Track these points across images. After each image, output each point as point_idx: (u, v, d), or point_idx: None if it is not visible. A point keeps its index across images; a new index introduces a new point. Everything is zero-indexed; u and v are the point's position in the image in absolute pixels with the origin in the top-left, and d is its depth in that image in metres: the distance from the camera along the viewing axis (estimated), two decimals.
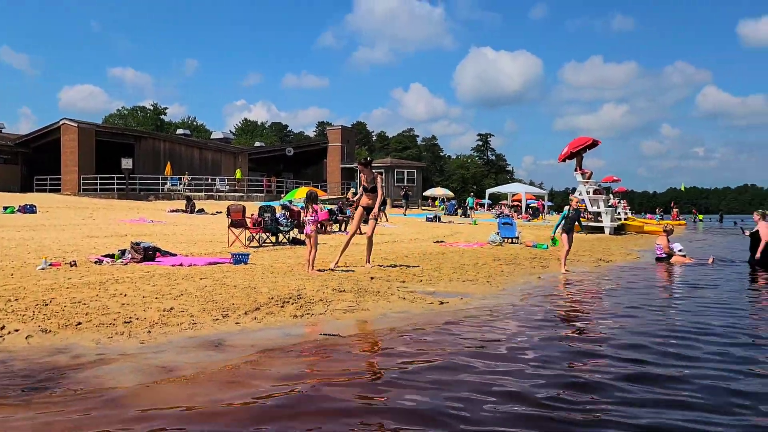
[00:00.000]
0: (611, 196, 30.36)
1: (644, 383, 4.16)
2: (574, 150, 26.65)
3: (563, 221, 11.46)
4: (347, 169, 51.40)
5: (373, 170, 10.67)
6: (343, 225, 20.14)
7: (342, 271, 9.49)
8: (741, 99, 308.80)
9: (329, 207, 20.92)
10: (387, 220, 24.50)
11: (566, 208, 11.30)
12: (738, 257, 14.68)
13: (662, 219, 51.19)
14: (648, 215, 61.77)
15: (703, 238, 27.25)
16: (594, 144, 27.06)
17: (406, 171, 49.97)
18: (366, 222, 10.40)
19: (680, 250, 14.21)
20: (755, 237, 13.06)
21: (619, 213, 34.06)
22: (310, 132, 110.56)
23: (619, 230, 26.77)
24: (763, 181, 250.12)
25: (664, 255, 13.94)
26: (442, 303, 7.27)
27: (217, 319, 5.81)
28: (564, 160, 27.28)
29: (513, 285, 9.21)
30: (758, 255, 12.67)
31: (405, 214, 33.82)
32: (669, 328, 6.14)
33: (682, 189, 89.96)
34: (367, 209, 10.39)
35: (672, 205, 66.11)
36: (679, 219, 51.97)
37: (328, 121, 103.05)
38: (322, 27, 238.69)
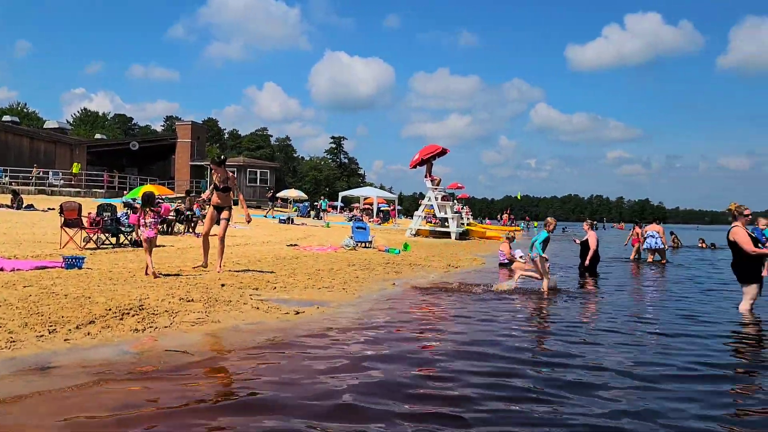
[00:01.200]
0: (455, 202, 31.75)
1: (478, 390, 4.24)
2: (425, 157, 27.54)
3: (543, 245, 10.54)
4: (197, 167, 49.13)
5: (228, 170, 10.18)
6: (192, 225, 19.09)
7: (190, 276, 8.87)
8: (568, 116, 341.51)
9: (176, 207, 19.70)
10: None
11: (546, 230, 10.99)
12: (568, 263, 15.93)
13: (513, 224, 54.89)
14: (488, 220, 65.74)
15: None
16: (443, 152, 28.17)
17: (259, 171, 48.78)
18: (218, 222, 9.86)
19: (521, 257, 15.12)
20: (585, 245, 14.22)
21: (463, 219, 35.75)
22: (158, 126, 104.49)
23: (463, 235, 28.08)
24: (584, 192, 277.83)
25: (506, 261, 14.75)
26: (298, 313, 7.00)
27: (42, 336, 5.08)
28: (415, 167, 28.09)
29: (368, 292, 9.16)
30: (587, 262, 13.81)
31: (267, 216, 33.04)
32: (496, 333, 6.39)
33: (518, 197, 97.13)
34: (218, 209, 9.88)
35: (508, 211, 71.01)
36: (514, 225, 55.92)
37: (178, 116, 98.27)
38: (173, 18, 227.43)
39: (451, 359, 5.25)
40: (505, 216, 57.06)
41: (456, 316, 7.61)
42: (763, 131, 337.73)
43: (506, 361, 5.23)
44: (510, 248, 14.98)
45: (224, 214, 9.85)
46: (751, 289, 8.25)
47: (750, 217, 8.94)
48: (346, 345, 5.64)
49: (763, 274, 8.51)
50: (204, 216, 21.81)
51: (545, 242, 10.44)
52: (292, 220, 29.49)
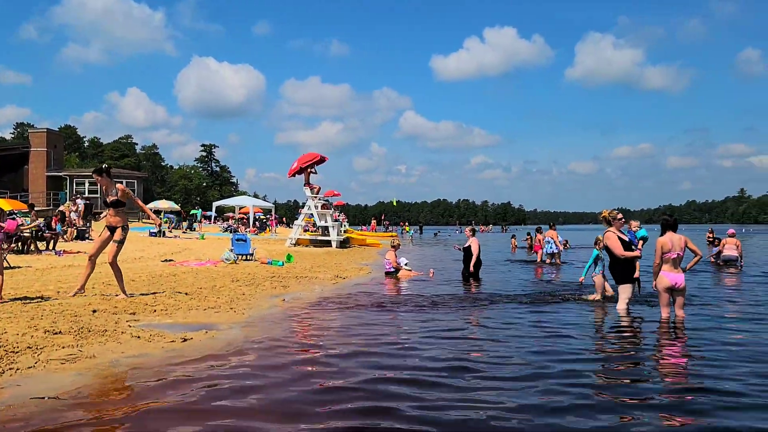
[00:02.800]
0: (334, 209, 31.57)
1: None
2: (303, 165, 27.08)
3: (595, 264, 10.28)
4: (54, 178, 45.04)
5: (114, 180, 9.10)
6: (51, 243, 17.28)
7: (55, 302, 7.83)
8: (434, 124, 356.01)
9: (31, 221, 17.72)
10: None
11: (596, 248, 10.43)
12: (449, 267, 16.21)
13: (389, 230, 55.53)
14: (363, 227, 66.20)
15: (412, 250, 29.83)
16: (322, 160, 27.88)
17: (125, 181, 45.63)
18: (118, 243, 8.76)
19: (406, 264, 15.16)
20: (467, 251, 14.49)
21: (343, 227, 35.62)
22: (7, 134, 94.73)
23: (344, 243, 27.91)
24: (452, 196, 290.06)
25: (392, 269, 14.69)
26: (185, 340, 6.35)
27: None
28: (293, 175, 27.54)
29: (258, 310, 8.62)
30: (471, 268, 14.08)
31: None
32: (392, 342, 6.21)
33: (394, 203, 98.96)
34: (110, 228, 8.77)
35: (383, 217, 72.13)
36: (389, 231, 56.86)
37: (30, 123, 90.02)
38: (22, 17, 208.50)
39: (369, 387, 4.93)
40: (373, 222, 57.72)
41: (356, 333, 7.29)
42: (604, 138, 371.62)
43: (412, 371, 5.01)
44: (396, 256, 14.95)
45: (117, 235, 8.71)
46: (626, 289, 8.78)
47: (623, 221, 9.46)
48: (248, 375, 5.14)
49: (635, 275, 9.04)
50: (64, 232, 19.93)
51: (596, 261, 10.28)
52: (164, 232, 27.75)
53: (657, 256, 7.99)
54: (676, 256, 7.89)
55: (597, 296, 10.02)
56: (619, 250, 8.66)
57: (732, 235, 18.60)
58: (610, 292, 10.00)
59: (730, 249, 18.16)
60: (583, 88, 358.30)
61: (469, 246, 14.43)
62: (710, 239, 20.91)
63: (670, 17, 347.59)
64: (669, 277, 7.90)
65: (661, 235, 8.06)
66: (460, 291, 11.70)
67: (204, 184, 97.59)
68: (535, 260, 20.31)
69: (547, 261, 19.18)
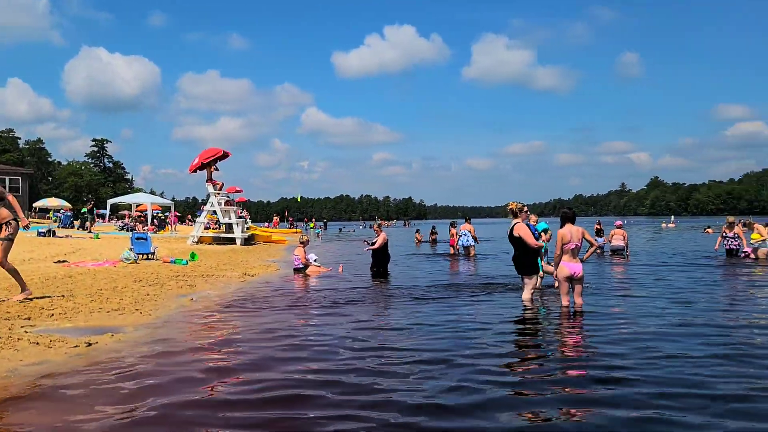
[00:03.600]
0: (237, 206, 30.87)
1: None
2: (205, 161, 26.27)
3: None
4: None
5: None
6: None
7: None
8: (337, 120, 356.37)
9: None
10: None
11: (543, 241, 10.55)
12: (357, 262, 16.34)
13: (293, 227, 54.81)
14: (266, 224, 65.09)
15: (320, 246, 29.78)
16: (225, 155, 27.15)
17: (8, 178, 42.35)
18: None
19: (315, 260, 15.11)
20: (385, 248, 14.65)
21: (247, 223, 34.91)
22: None
23: (249, 241, 27.38)
24: (354, 192, 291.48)
25: (301, 266, 14.60)
26: (89, 344, 6.03)
27: None
28: (195, 171, 26.66)
29: (166, 311, 8.32)
30: (375, 266, 14.28)
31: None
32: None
33: (298, 200, 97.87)
34: None
35: (286, 214, 71.23)
36: (294, 227, 56.32)
37: None
38: None
39: (289, 386, 4.91)
40: (275, 219, 56.97)
41: (267, 330, 7.21)
42: (500, 135, 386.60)
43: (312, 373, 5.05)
44: (305, 253, 14.86)
45: (2, 232, 8.08)
46: (532, 280, 9.15)
47: (528, 213, 9.91)
48: (158, 377, 4.97)
49: (543, 265, 9.44)
50: None
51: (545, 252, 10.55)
52: (54, 232, 25.98)
53: (558, 248, 8.43)
54: (574, 246, 8.35)
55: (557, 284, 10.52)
56: (532, 240, 8.98)
57: (619, 227, 19.94)
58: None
59: (617, 239, 19.45)
60: (480, 87, 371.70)
61: (376, 241, 14.61)
62: (598, 229, 22.26)
63: (558, 21, 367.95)
64: (568, 266, 8.34)
65: (561, 227, 8.55)
66: (370, 286, 11.82)
67: (96, 180, 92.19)
68: (447, 253, 21.04)
69: (464, 253, 19.90)
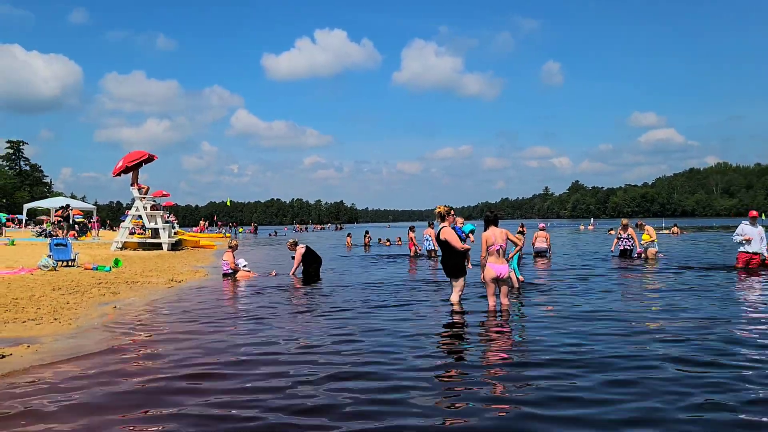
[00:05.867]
0: (164, 210, 29.95)
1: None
2: (130, 164, 25.40)
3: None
4: None
5: None
6: None
7: None
8: (267, 123, 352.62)
9: None
10: None
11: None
12: (289, 266, 16.23)
13: (222, 231, 53.67)
14: (194, 228, 63.47)
15: (249, 250, 29.32)
16: (150, 158, 26.33)
17: None
18: None
19: (245, 266, 14.93)
20: (309, 254, 14.60)
21: (175, 228, 33.92)
22: None
23: (176, 246, 26.67)
24: (285, 196, 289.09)
25: (230, 271, 14.39)
26: (3, 356, 5.80)
27: None
28: (119, 174, 25.73)
29: (87, 320, 8.05)
30: (310, 268, 14.26)
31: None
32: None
33: (227, 203, 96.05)
34: None
35: (215, 218, 69.79)
36: (222, 232, 55.30)
37: None
38: None
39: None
40: (201, 223, 55.69)
41: (192, 337, 7.11)
42: (429, 140, 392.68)
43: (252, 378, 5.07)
44: (234, 258, 14.66)
45: None
46: (460, 282, 9.28)
47: (454, 216, 10.14)
48: (74, 389, 4.84)
49: (468, 267, 9.59)
50: None
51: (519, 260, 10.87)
52: None
53: (483, 250, 8.70)
54: (498, 248, 8.65)
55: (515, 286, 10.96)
56: (459, 243, 9.14)
57: (542, 229, 20.68)
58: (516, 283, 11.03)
59: (540, 241, 20.17)
60: (410, 92, 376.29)
61: (308, 250, 14.58)
62: (521, 232, 22.99)
63: (484, 29, 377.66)
64: (494, 268, 8.60)
65: (485, 230, 8.83)
66: (300, 290, 11.80)
67: (11, 184, 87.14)
68: (407, 254, 21.89)
69: (427, 256, 20.65)
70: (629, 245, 18.34)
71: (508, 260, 8.86)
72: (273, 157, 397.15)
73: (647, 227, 18.23)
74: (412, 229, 23.48)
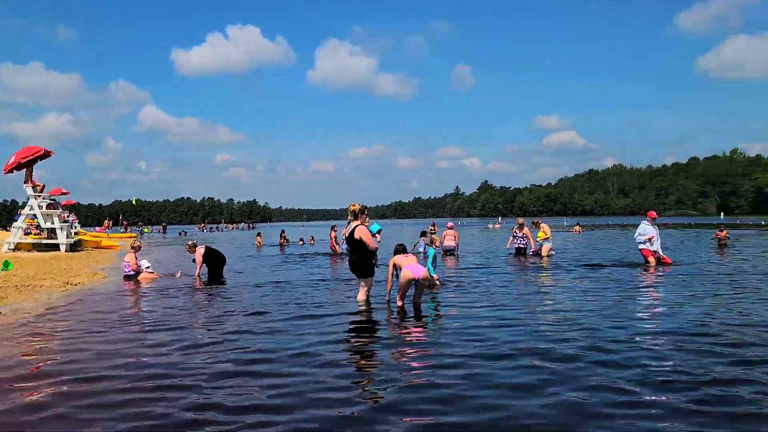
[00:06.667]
0: (63, 210, 28.43)
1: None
2: (23, 160, 23.96)
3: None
4: None
5: None
6: None
7: None
8: (177, 120, 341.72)
9: None
10: None
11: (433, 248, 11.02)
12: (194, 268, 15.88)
13: (128, 231, 51.43)
14: (97, 228, 60.52)
15: (159, 250, 28.33)
16: (46, 155, 24.96)
17: None
18: None
19: (148, 267, 14.45)
20: (213, 255, 14.27)
21: (74, 228, 32.24)
22: None
23: (75, 246, 25.40)
24: (196, 194, 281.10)
25: (132, 272, 13.90)
26: None
27: None
28: (11, 171, 24.21)
29: None
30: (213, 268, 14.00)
31: None
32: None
33: (133, 202, 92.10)
34: None
35: (120, 217, 66.83)
36: (129, 231, 53.10)
37: None
38: None
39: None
40: (106, 222, 53.26)
41: (83, 347, 6.87)
42: (344, 139, 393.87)
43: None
44: (136, 259, 14.17)
45: None
46: (368, 282, 9.36)
47: (367, 216, 10.23)
48: None
49: (376, 267, 9.70)
50: None
51: (434, 258, 10.77)
52: None
53: (390, 268, 8.89)
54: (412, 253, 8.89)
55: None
56: (373, 243, 9.20)
57: (451, 228, 21.25)
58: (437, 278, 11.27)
59: (449, 240, 20.71)
60: (325, 91, 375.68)
61: (208, 250, 14.28)
62: (432, 231, 23.56)
63: (398, 31, 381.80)
64: (412, 270, 8.75)
65: (394, 255, 9.31)
66: (201, 292, 11.58)
67: None
68: (329, 253, 21.85)
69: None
70: (524, 243, 19.19)
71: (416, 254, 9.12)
72: (183, 155, 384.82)
73: (542, 225, 19.14)
74: (333, 228, 23.45)
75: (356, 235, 9.15)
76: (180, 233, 63.90)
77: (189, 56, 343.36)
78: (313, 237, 33.32)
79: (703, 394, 4.47)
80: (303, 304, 9.48)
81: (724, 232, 23.05)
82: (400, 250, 9.43)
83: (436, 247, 11.76)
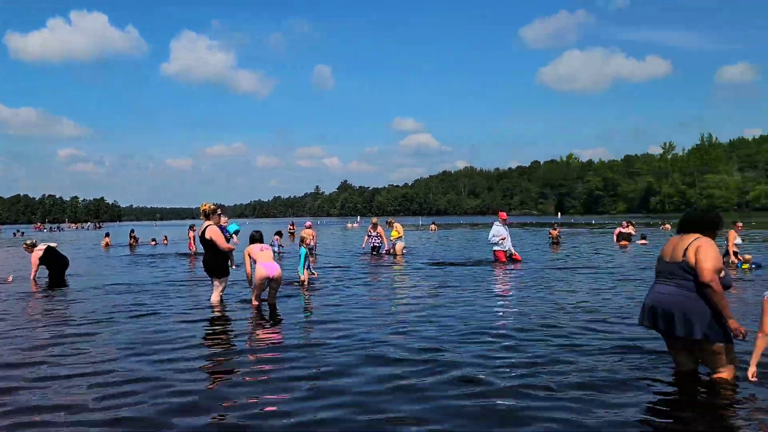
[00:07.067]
0: None
1: None
2: None
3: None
4: None
5: None
6: None
7: None
8: (13, 110, 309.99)
9: None
10: None
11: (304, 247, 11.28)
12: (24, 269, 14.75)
13: None
14: None
15: None
16: None
17: None
18: None
19: None
20: (50, 252, 13.27)
21: None
22: None
23: None
24: (35, 191, 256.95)
25: None
26: None
27: None
28: None
29: None
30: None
31: None
32: None
33: None
34: None
35: None
36: None
37: None
38: None
39: None
40: None
41: None
42: (201, 135, 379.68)
43: None
44: None
45: None
46: (222, 282, 9.18)
47: (220, 213, 10.03)
48: None
49: (232, 268, 9.60)
50: None
51: (306, 257, 11.00)
52: None
53: (246, 259, 8.81)
54: (264, 249, 8.91)
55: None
56: (224, 243, 8.99)
57: (309, 227, 21.43)
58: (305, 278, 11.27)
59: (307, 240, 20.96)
60: (180, 85, 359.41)
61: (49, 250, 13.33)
62: (291, 231, 23.71)
63: (257, 27, 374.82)
64: (266, 268, 8.70)
65: (250, 244, 9.18)
66: (39, 296, 10.83)
67: None
68: (176, 255, 20.44)
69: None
70: (378, 242, 19.85)
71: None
72: (20, 148, 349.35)
73: (395, 224, 19.91)
74: (192, 228, 22.55)
75: (207, 235, 8.96)
76: (14, 233, 58.32)
77: (26, 41, 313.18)
78: (166, 237, 31.97)
79: (531, 374, 5.07)
80: (149, 305, 9.20)
81: (557, 230, 25.36)
82: (257, 237, 9.26)
83: (307, 245, 11.81)
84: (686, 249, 4.61)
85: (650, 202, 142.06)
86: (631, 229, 25.11)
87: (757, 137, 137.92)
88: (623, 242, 23.30)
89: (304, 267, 11.31)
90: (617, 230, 24.73)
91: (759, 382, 4.44)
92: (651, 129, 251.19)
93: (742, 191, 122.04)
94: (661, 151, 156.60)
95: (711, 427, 3.94)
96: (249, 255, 9.06)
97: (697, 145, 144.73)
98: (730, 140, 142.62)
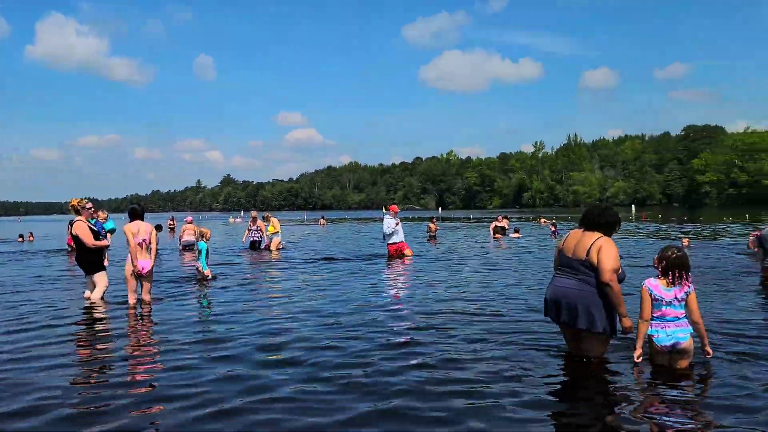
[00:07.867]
0: None
1: None
2: None
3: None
4: None
5: None
6: None
7: None
8: None
9: None
10: None
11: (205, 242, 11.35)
12: None
13: None
14: None
15: None
16: None
17: None
18: None
19: None
20: None
21: None
22: None
23: None
24: None
25: None
26: None
27: None
28: None
29: None
30: None
31: None
32: None
33: None
34: None
35: None
36: None
37: None
38: None
39: None
40: None
41: None
42: (71, 125, 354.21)
43: None
44: None
45: None
46: (102, 278, 8.87)
47: (92, 210, 9.67)
48: None
49: (105, 263, 9.29)
50: None
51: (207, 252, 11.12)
52: None
53: (130, 242, 8.55)
54: (141, 241, 8.66)
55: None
56: (90, 239, 8.67)
57: (190, 222, 20.87)
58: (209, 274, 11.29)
59: (188, 234, 20.31)
60: (47, 71, 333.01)
61: None
62: (171, 226, 22.92)
63: (133, 13, 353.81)
64: (136, 263, 8.48)
65: (130, 221, 8.75)
66: None
67: None
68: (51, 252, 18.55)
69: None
70: (258, 237, 19.71)
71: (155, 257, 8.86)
72: None
73: (272, 219, 19.74)
74: (71, 223, 20.99)
75: (74, 231, 8.76)
76: None
77: None
78: (32, 233, 29.72)
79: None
80: (23, 305, 8.73)
81: (435, 224, 26.44)
82: (138, 212, 8.89)
83: (207, 240, 11.60)
84: (589, 248, 5.01)
85: (523, 198, 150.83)
86: (505, 223, 26.69)
87: (615, 138, 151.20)
88: (498, 235, 24.77)
89: (206, 262, 11.37)
90: (493, 224, 26.22)
91: (642, 361, 4.97)
92: (524, 128, 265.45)
93: (603, 188, 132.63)
94: (533, 149, 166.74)
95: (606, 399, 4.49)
96: (132, 234, 8.66)
97: (564, 144, 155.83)
98: (593, 141, 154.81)
